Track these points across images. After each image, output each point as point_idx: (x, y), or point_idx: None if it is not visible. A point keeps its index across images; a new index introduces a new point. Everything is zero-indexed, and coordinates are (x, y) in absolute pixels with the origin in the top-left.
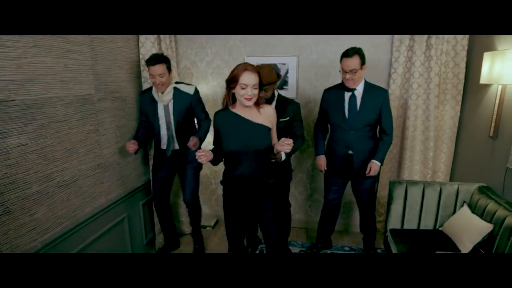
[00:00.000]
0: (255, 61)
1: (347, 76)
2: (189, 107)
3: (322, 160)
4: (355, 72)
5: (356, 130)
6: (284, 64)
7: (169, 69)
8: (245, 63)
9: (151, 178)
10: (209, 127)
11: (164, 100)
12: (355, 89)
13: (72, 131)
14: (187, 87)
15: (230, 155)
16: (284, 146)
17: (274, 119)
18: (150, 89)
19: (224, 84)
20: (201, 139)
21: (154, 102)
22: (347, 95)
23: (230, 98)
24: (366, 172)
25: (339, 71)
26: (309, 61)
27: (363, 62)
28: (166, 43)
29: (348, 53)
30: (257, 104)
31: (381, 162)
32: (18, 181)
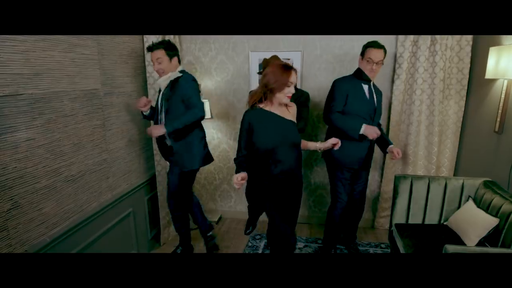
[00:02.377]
0: (259, 56)
1: (374, 66)
2: (178, 97)
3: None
4: (381, 64)
5: (375, 122)
6: (289, 59)
7: (169, 55)
8: (280, 62)
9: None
10: (191, 120)
11: (162, 86)
12: (371, 81)
13: (79, 126)
14: (184, 77)
15: (267, 152)
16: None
17: (295, 114)
18: None
19: (228, 79)
20: (170, 130)
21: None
22: (365, 86)
23: (263, 97)
24: (397, 157)
25: (367, 60)
26: (313, 56)
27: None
28: (170, 38)
29: (376, 44)
30: None
31: None
32: (27, 175)
